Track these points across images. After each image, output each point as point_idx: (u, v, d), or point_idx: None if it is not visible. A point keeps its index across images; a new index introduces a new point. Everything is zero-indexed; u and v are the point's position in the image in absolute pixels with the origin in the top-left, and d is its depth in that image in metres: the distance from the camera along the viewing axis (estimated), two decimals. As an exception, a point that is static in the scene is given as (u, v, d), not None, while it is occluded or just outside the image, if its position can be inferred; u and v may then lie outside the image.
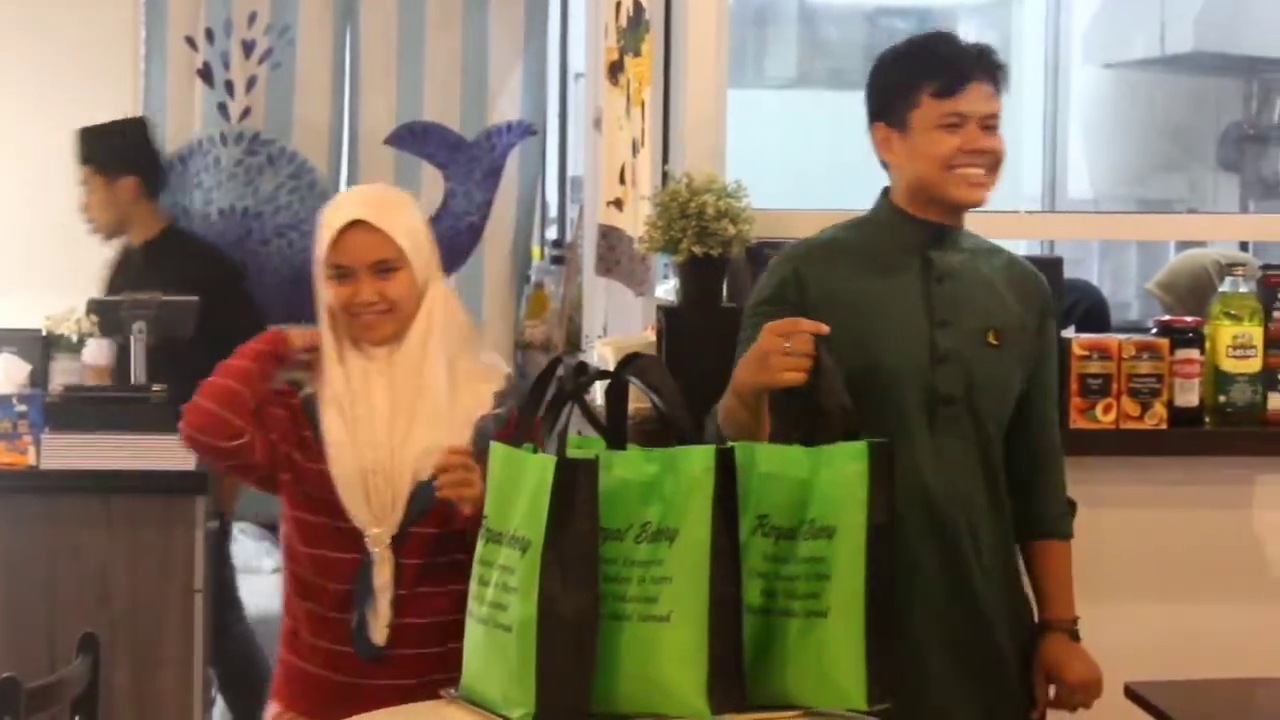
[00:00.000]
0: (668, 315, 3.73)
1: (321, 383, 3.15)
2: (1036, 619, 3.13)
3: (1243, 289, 3.79)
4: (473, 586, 2.47)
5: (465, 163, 5.83)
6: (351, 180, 5.83)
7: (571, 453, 2.38)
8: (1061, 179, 10.09)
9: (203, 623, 4.47)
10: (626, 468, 2.43)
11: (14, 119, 5.73)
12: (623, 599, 2.39)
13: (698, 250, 3.64)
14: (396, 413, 3.11)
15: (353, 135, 5.84)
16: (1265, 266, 3.92)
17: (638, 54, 4.35)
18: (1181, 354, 3.74)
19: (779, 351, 2.67)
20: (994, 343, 3.06)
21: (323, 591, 3.14)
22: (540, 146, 6.01)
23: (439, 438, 3.08)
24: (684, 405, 2.50)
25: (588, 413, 2.54)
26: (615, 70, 4.71)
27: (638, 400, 2.67)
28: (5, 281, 5.62)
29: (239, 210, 5.73)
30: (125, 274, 5.20)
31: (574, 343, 5.55)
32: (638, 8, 4.34)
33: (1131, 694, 2.97)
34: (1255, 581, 3.71)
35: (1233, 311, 3.75)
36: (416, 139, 5.81)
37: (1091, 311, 5.32)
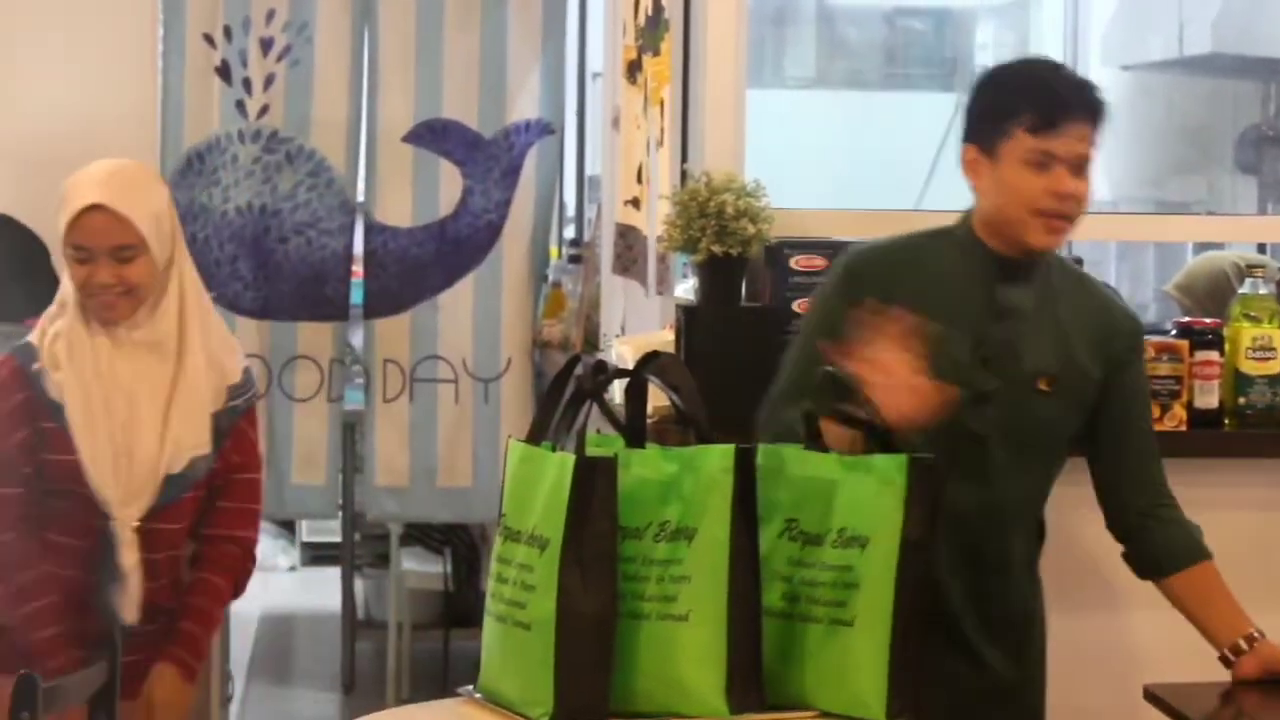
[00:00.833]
0: (687, 314, 3.72)
1: (67, 361, 3.16)
2: (1228, 638, 3.02)
3: (1262, 291, 3.78)
4: (490, 584, 2.46)
5: (483, 161, 5.82)
6: (369, 178, 5.84)
7: (590, 451, 2.38)
8: (1080, 180, 10.05)
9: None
10: (645, 466, 2.42)
11: (32, 116, 5.73)
12: (641, 598, 2.39)
13: (717, 249, 3.63)
14: (153, 398, 3.16)
15: (371, 133, 5.84)
16: (1284, 268, 3.92)
17: (656, 53, 4.35)
18: (1201, 356, 3.73)
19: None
20: (1044, 389, 3.01)
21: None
22: (558, 145, 6.01)
23: (192, 430, 3.16)
24: (703, 404, 2.50)
25: (606, 411, 2.53)
26: (633, 69, 4.70)
27: (657, 399, 2.66)
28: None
29: (257, 207, 5.74)
30: None
31: (591, 342, 5.54)
32: (657, 7, 4.34)
33: (1151, 696, 2.97)
34: (1275, 584, 3.69)
35: (1252, 313, 3.75)
36: (435, 137, 5.81)
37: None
